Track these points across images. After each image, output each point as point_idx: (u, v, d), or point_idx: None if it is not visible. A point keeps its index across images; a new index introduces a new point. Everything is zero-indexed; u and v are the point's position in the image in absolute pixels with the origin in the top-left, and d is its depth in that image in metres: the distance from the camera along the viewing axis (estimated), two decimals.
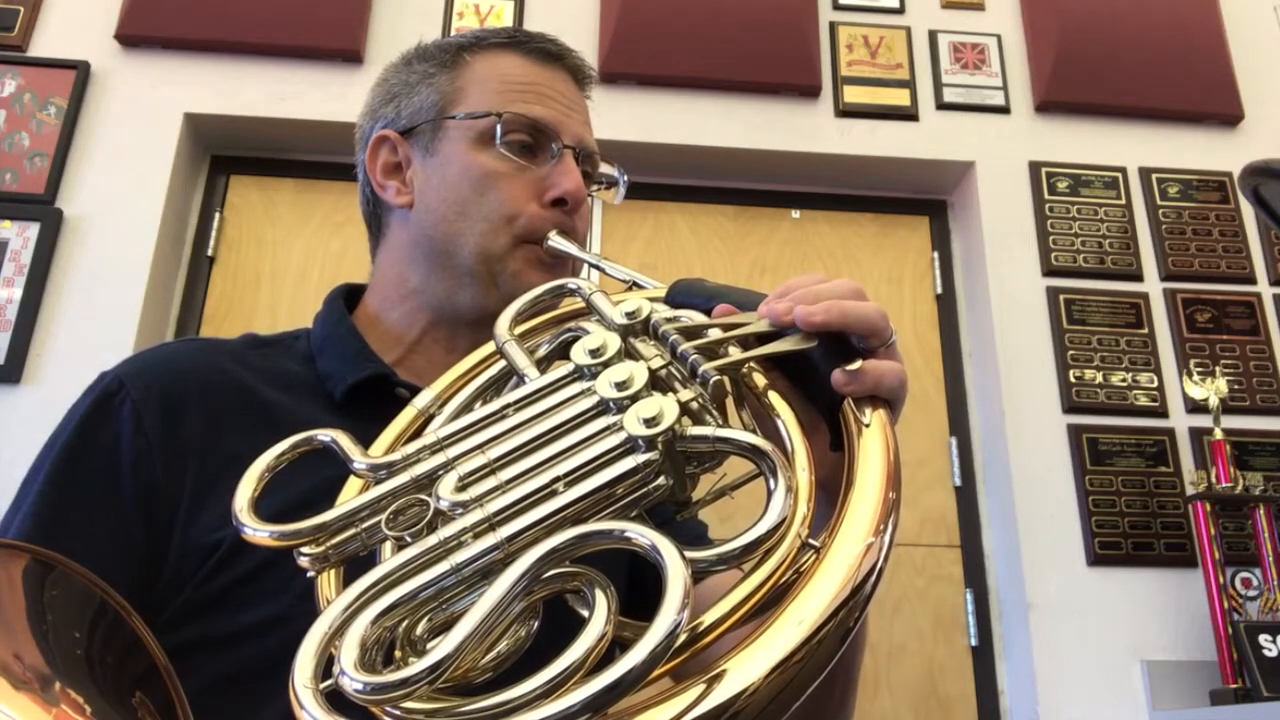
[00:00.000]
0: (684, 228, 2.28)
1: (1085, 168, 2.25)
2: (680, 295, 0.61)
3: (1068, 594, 1.89)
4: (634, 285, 0.67)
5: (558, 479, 0.47)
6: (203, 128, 2.15)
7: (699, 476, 0.51)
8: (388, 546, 0.50)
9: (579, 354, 0.53)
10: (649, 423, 0.47)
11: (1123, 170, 2.26)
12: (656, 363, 0.53)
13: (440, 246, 0.79)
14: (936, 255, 2.31)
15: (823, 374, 0.53)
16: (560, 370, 0.54)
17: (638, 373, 0.50)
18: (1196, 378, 2.02)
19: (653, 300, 0.60)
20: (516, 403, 0.53)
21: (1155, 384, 2.06)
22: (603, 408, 0.51)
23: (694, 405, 0.50)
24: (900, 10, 2.38)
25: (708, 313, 0.59)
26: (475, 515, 0.46)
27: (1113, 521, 1.94)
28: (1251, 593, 1.87)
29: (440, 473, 0.49)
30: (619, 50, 2.20)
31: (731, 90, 2.23)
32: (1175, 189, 2.25)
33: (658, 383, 0.52)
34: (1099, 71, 2.30)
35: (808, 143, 2.22)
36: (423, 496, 0.49)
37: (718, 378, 0.51)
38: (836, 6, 2.37)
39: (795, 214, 2.32)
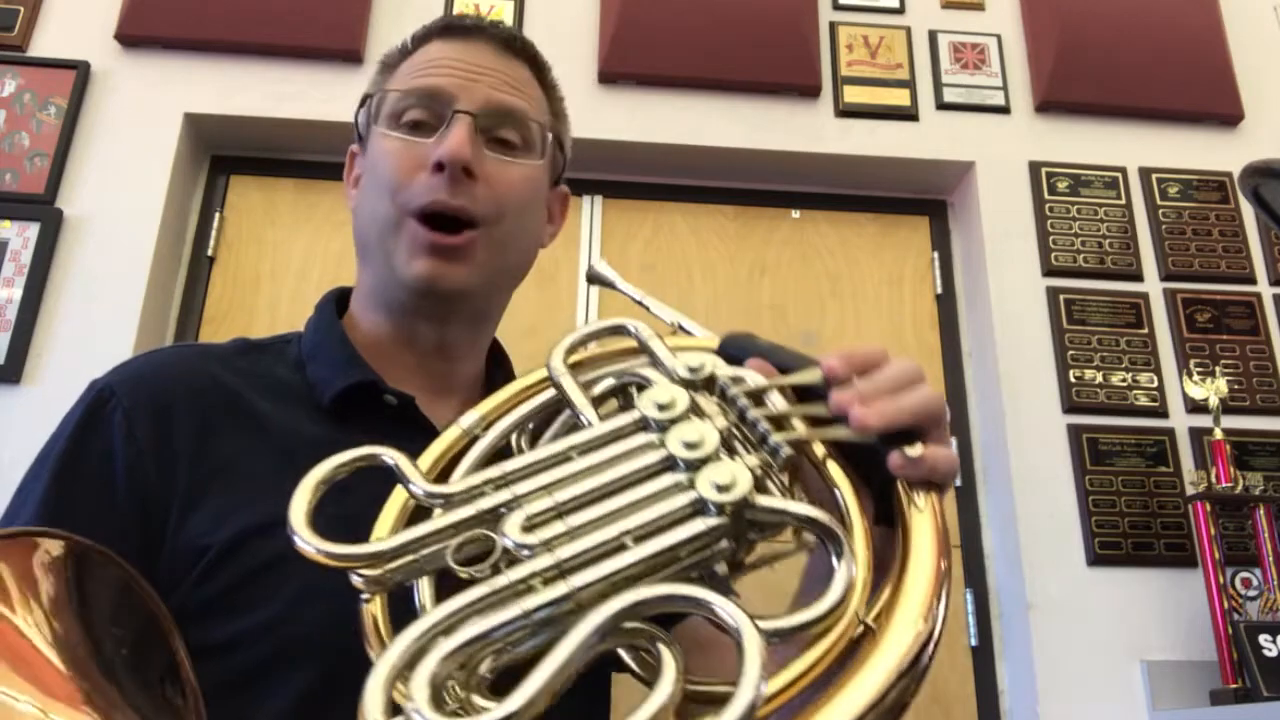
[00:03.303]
0: (684, 228, 2.28)
1: (1085, 168, 2.25)
2: (732, 350, 0.61)
3: (1068, 594, 1.89)
4: (679, 328, 0.66)
5: (626, 532, 0.47)
6: (203, 128, 2.15)
7: (755, 543, 0.51)
8: (424, 581, 0.49)
9: (647, 405, 0.53)
10: (722, 489, 0.47)
11: (1123, 170, 2.26)
12: (720, 422, 0.53)
13: (360, 238, 0.80)
14: (936, 255, 2.31)
15: (877, 450, 0.53)
16: (625, 418, 0.54)
17: (709, 435, 0.50)
18: (1196, 378, 2.02)
19: (704, 350, 0.59)
20: (581, 446, 0.52)
21: (1155, 384, 2.06)
22: (670, 464, 0.50)
23: (758, 472, 0.50)
24: (900, 10, 2.38)
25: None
26: (544, 560, 0.45)
27: (1113, 521, 1.94)
28: (1251, 593, 1.87)
29: (503, 510, 0.49)
30: (619, 50, 2.20)
31: (731, 90, 2.23)
32: (1175, 189, 2.25)
33: (723, 443, 0.52)
34: (1099, 71, 2.30)
35: (808, 143, 2.22)
36: (487, 532, 0.48)
37: (790, 453, 0.51)
38: (836, 6, 2.37)
39: (795, 214, 2.32)
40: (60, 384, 1.85)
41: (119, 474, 0.66)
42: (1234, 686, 1.71)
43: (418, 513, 0.52)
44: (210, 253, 2.14)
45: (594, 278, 0.73)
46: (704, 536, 0.47)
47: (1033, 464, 1.99)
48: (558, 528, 0.47)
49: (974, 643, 1.98)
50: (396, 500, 0.53)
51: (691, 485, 0.48)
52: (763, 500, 0.48)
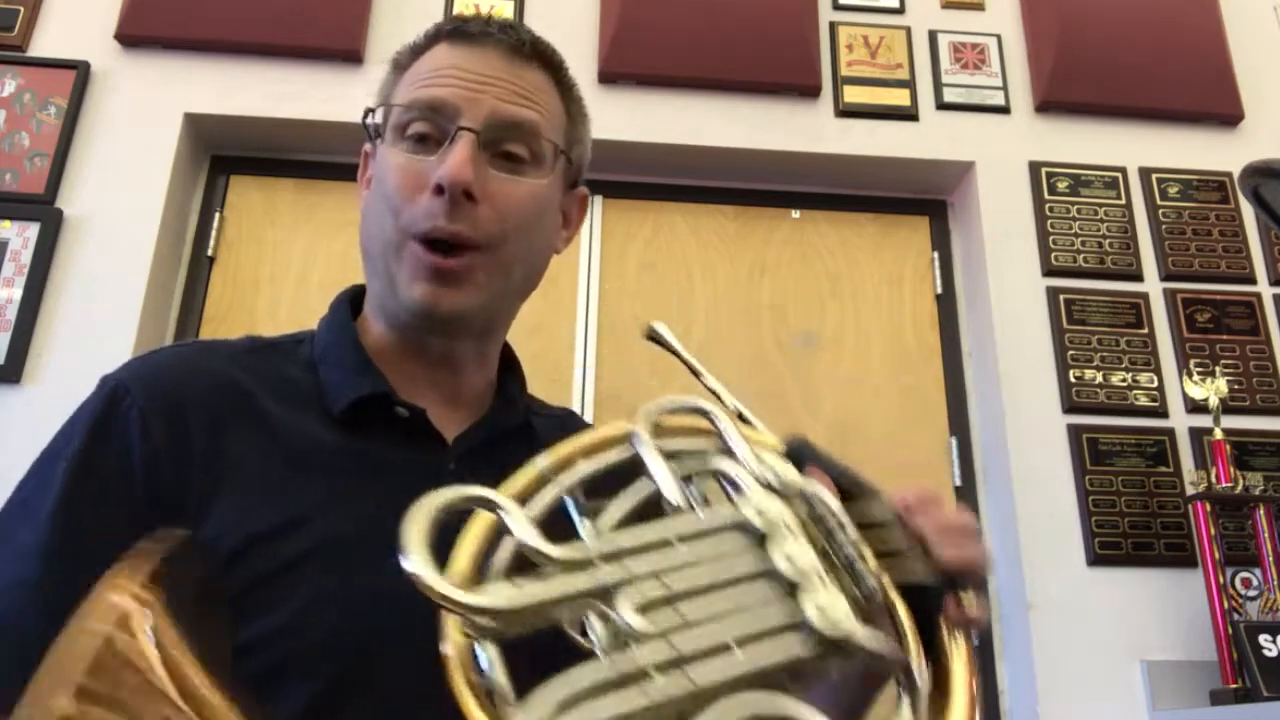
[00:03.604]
0: (684, 228, 2.28)
1: (1085, 168, 2.25)
2: (794, 455, 0.63)
3: (1068, 594, 1.89)
4: (741, 416, 0.67)
5: (736, 638, 0.48)
6: (203, 128, 2.15)
7: (830, 665, 0.53)
8: (488, 646, 0.49)
9: (750, 511, 0.55)
10: (828, 617, 0.49)
11: (1123, 170, 2.26)
12: (812, 540, 0.55)
13: (365, 248, 0.79)
14: (936, 255, 2.31)
15: (927, 588, 0.58)
16: (723, 514, 0.55)
17: (809, 556, 0.53)
18: (1196, 378, 2.02)
19: (774, 450, 0.62)
20: (683, 535, 0.53)
21: (1155, 384, 2.06)
22: (769, 574, 0.52)
23: (852, 603, 0.54)
24: (900, 10, 2.38)
25: None
26: (663, 649, 0.46)
27: (1113, 521, 1.94)
28: (1251, 593, 1.87)
29: (615, 588, 0.49)
30: (619, 50, 2.20)
31: (731, 90, 2.23)
32: (1175, 189, 2.25)
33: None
34: (1099, 71, 2.30)
35: (808, 143, 2.22)
36: (603, 607, 0.48)
37: (879, 593, 0.54)
38: (836, 6, 2.37)
39: (795, 214, 2.32)
40: (60, 384, 1.85)
41: (136, 470, 0.66)
42: (1234, 686, 1.71)
43: (491, 547, 0.52)
44: (210, 253, 2.14)
45: (653, 337, 0.72)
46: (801, 656, 0.49)
47: (1033, 464, 1.99)
48: (672, 617, 0.47)
49: (974, 643, 1.98)
50: (475, 533, 0.53)
51: (793, 598, 0.50)
52: (859, 635, 0.50)
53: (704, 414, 0.63)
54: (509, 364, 0.87)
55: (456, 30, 0.79)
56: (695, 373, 0.70)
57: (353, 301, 0.84)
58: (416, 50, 0.81)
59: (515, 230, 0.75)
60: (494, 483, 0.63)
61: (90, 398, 0.70)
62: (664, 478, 0.57)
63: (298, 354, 0.78)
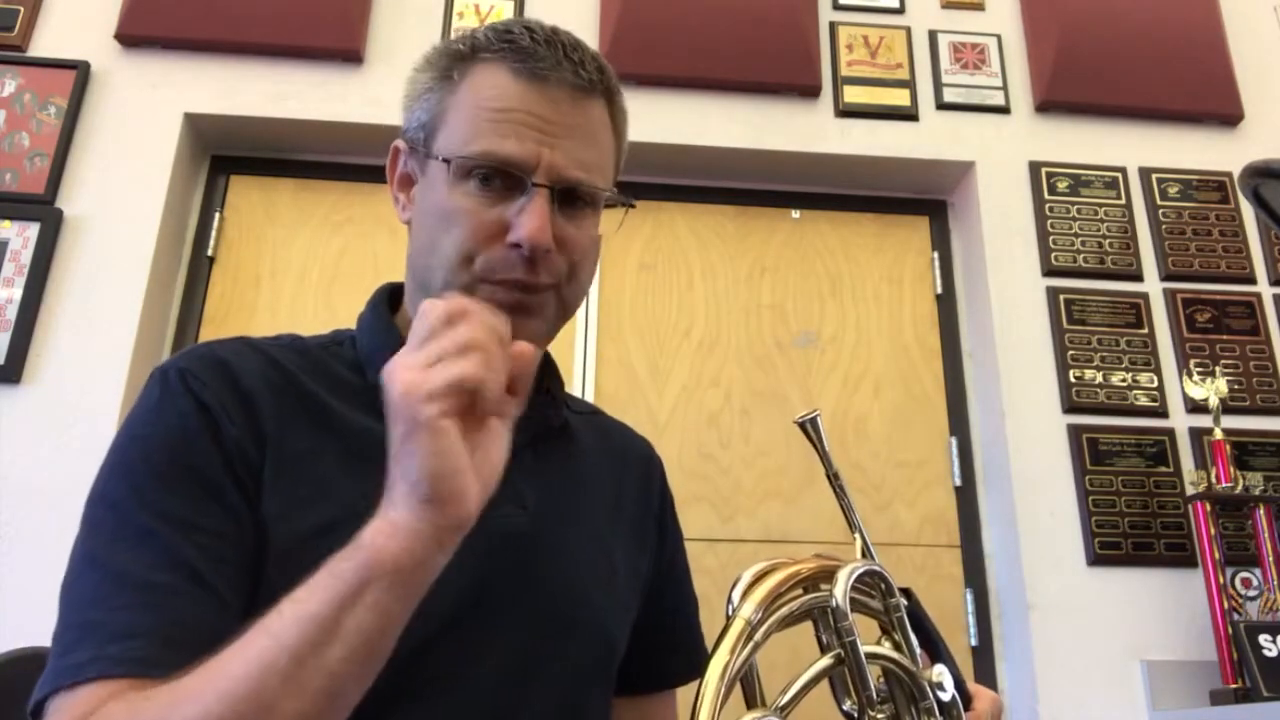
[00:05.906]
0: (684, 228, 2.28)
1: (1085, 168, 2.25)
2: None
3: (1068, 594, 1.89)
4: (864, 551, 0.76)
5: None
6: (203, 128, 2.15)
7: None
8: None
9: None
10: None
11: (1123, 170, 2.26)
12: None
13: (419, 277, 0.79)
14: (936, 255, 2.31)
15: None
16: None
17: None
18: (1196, 378, 2.02)
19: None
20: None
21: (1155, 384, 2.06)
22: None
23: None
24: (900, 10, 2.38)
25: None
26: None
27: (1113, 521, 1.94)
28: (1251, 593, 1.87)
29: None
30: (619, 50, 2.19)
31: (731, 90, 2.23)
32: (1175, 189, 2.25)
33: None
34: (1099, 71, 2.30)
35: (808, 143, 2.22)
36: None
37: None
38: (836, 6, 2.37)
39: (795, 214, 2.32)
40: (60, 384, 1.85)
41: (226, 438, 0.68)
42: (1234, 686, 1.71)
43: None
44: (210, 253, 2.14)
45: (804, 426, 0.77)
46: None
47: (1033, 464, 1.99)
48: None
49: (974, 643, 1.98)
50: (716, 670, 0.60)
51: None
52: None
53: (880, 578, 0.72)
54: (545, 363, 0.87)
55: (524, 58, 0.75)
56: (831, 476, 0.76)
57: (390, 298, 0.85)
58: (464, 57, 0.78)
59: (580, 269, 0.80)
60: (537, 481, 0.78)
61: (157, 388, 0.71)
62: (861, 665, 0.66)
63: (341, 355, 0.80)
